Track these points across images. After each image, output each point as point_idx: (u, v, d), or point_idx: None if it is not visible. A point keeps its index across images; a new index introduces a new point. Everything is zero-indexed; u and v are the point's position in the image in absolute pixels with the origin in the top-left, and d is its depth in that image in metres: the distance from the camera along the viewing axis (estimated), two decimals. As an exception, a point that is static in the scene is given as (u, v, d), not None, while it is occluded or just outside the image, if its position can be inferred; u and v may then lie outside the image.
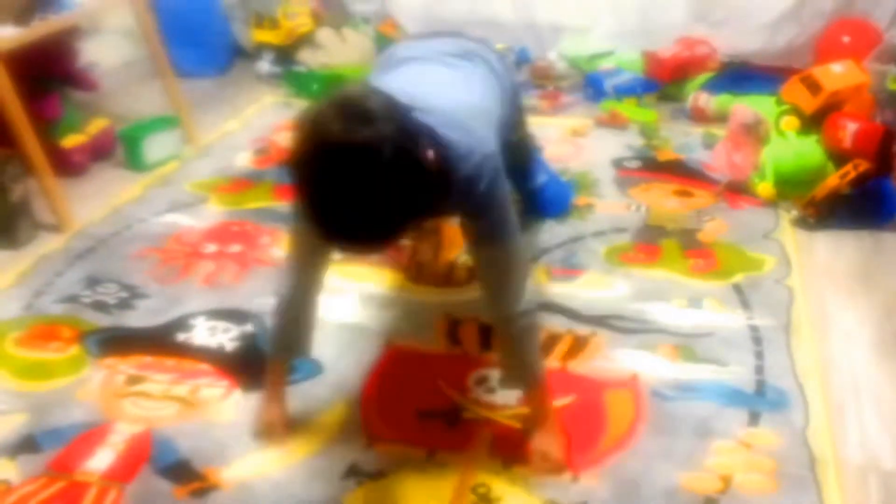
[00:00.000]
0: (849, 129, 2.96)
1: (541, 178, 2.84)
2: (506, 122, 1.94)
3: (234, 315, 2.45)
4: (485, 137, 1.69)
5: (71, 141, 3.33)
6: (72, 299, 2.55)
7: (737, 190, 3.12)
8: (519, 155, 2.59)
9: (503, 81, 2.04)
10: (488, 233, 1.72)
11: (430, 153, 1.51)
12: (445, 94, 1.74)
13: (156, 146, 3.46)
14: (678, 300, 2.51)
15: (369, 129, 1.37)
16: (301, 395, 2.12)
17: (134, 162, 3.43)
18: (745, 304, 2.48)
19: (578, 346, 2.30)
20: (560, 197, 2.99)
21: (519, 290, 1.77)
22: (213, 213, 3.08)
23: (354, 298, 2.54)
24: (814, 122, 3.08)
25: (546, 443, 1.90)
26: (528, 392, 1.94)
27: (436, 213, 1.78)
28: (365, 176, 1.37)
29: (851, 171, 2.89)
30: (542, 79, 4.26)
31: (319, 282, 1.91)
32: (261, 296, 2.46)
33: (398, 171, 1.39)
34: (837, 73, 3.11)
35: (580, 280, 2.62)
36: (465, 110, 1.71)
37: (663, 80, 4.01)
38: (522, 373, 1.90)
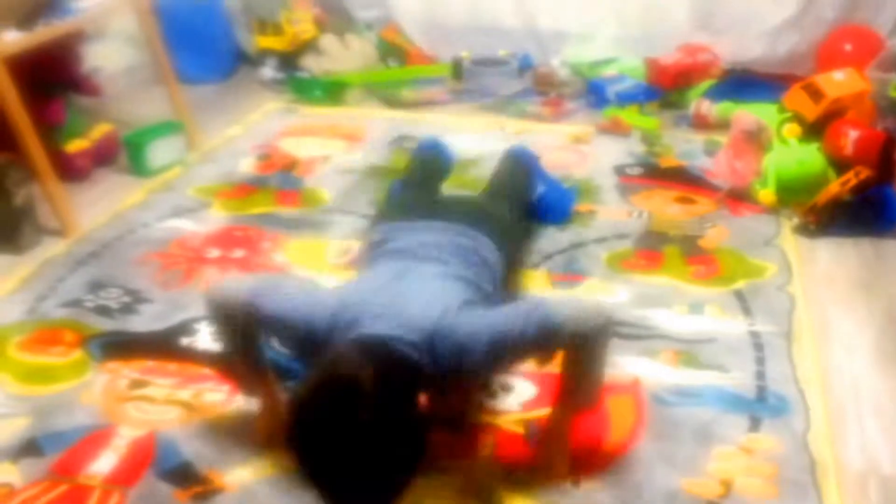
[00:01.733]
0: (850, 137, 2.97)
1: (540, 188, 2.86)
2: (496, 291, 2.03)
3: (236, 320, 2.45)
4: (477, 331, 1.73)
5: (74, 146, 3.34)
6: (75, 304, 2.56)
7: (738, 197, 3.12)
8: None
9: (492, 268, 2.08)
10: (542, 349, 1.80)
11: (422, 397, 1.68)
12: (430, 307, 1.77)
13: (159, 151, 3.47)
14: (680, 306, 2.51)
15: (359, 406, 1.50)
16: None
17: (137, 167, 3.44)
18: (747, 310, 2.48)
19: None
20: (560, 204, 3.00)
21: (582, 309, 1.75)
22: (216, 218, 3.09)
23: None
24: (815, 129, 3.08)
25: (554, 455, 1.91)
26: (576, 410, 1.89)
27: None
28: (362, 454, 1.49)
29: (853, 178, 2.89)
30: (545, 85, 4.27)
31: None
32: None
33: (393, 439, 1.52)
34: (839, 81, 3.12)
35: (582, 286, 2.62)
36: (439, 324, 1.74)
37: (665, 88, 4.02)
38: (589, 388, 1.84)
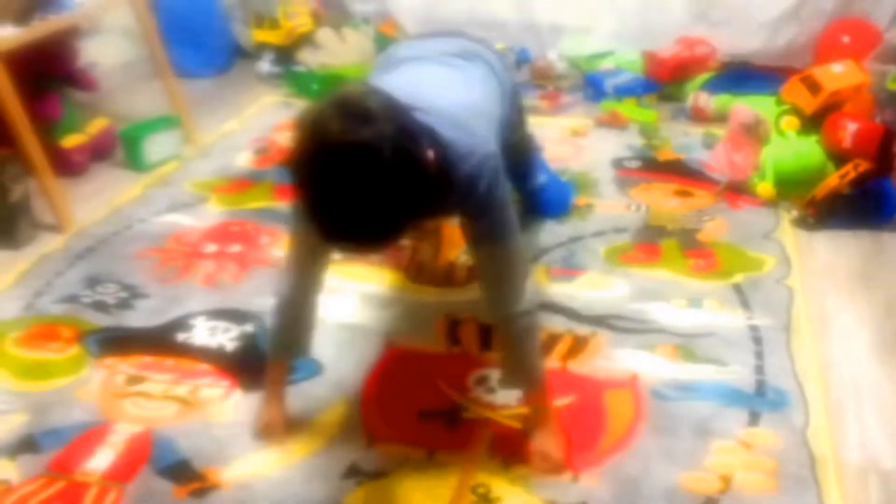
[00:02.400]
0: (849, 129, 2.96)
1: (541, 179, 2.84)
2: (506, 122, 1.94)
3: (234, 315, 2.45)
4: (484, 137, 1.70)
5: (71, 141, 3.33)
6: (72, 299, 2.55)
7: (737, 190, 3.11)
8: (519, 155, 2.60)
9: (503, 81, 2.05)
10: (488, 232, 1.72)
11: (430, 153, 1.53)
12: (445, 94, 1.75)
13: (156, 146, 3.46)
14: (678, 300, 2.51)
15: (369, 128, 1.38)
16: (301, 395, 2.12)
17: (134, 162, 3.43)
18: (745, 304, 2.48)
19: (578, 346, 2.30)
20: (560, 197, 2.99)
21: (519, 289, 1.78)
22: (213, 213, 3.08)
23: (354, 298, 2.54)
24: (814, 122, 3.08)
25: (546, 443, 1.90)
26: (528, 392, 1.94)
27: (436, 212, 1.79)
28: (365, 175, 1.38)
29: (851, 170, 2.88)
30: (542, 79, 4.26)
31: (319, 282, 1.91)
32: (261, 296, 2.46)
33: (398, 171, 1.40)
34: (837, 73, 3.11)
35: (580, 280, 2.62)
36: (464, 110, 1.72)
37: (663, 80, 4.01)
38: (522, 373, 1.90)
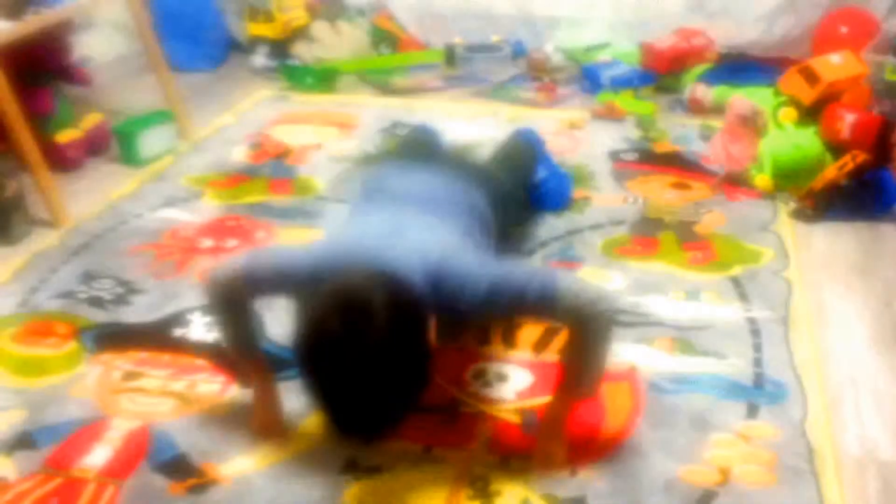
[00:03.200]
0: (847, 120, 2.96)
1: (541, 173, 2.85)
2: (490, 241, 2.04)
3: (230, 310, 2.44)
4: (476, 265, 1.74)
5: (65, 136, 3.32)
6: (67, 295, 2.54)
7: (734, 182, 3.11)
8: (519, 156, 2.63)
9: (483, 214, 2.09)
10: (532, 311, 1.82)
11: (432, 322, 1.65)
12: (432, 244, 1.78)
13: (150, 141, 3.45)
14: (676, 293, 2.50)
15: (369, 328, 1.47)
16: (298, 390, 2.10)
17: (128, 157, 3.42)
18: (743, 296, 2.48)
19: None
20: (559, 191, 2.98)
21: (577, 296, 1.70)
22: (208, 207, 3.07)
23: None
24: (812, 113, 3.07)
25: (552, 444, 1.89)
26: (575, 396, 1.87)
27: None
28: (366, 376, 1.47)
29: (849, 162, 2.88)
30: (539, 71, 4.25)
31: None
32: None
33: (400, 365, 1.51)
34: (835, 64, 3.11)
35: (577, 273, 2.61)
36: (450, 251, 1.77)
37: (660, 72, 4.00)
38: (588, 375, 1.82)
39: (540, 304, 1.70)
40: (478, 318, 1.92)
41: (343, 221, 2.14)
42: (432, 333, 1.75)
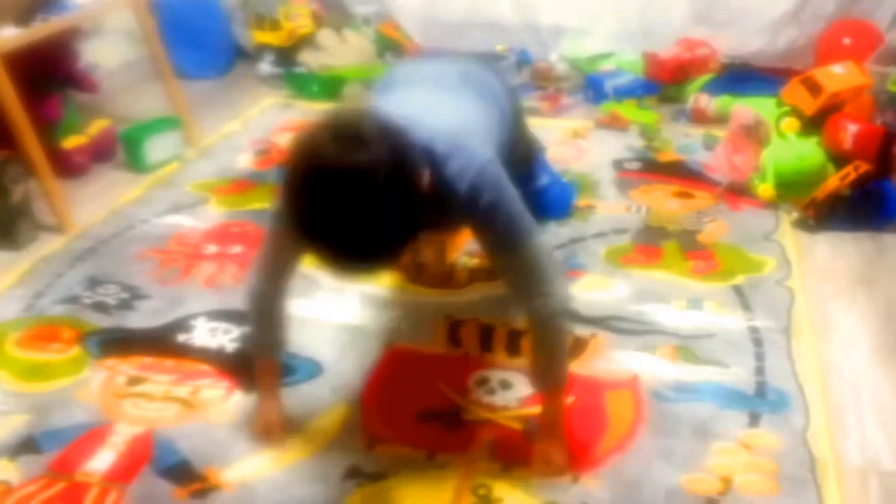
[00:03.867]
0: (849, 131, 2.96)
1: (543, 180, 2.84)
2: (504, 138, 1.93)
3: (234, 316, 2.44)
4: (478, 149, 1.69)
5: (72, 142, 3.33)
6: (72, 300, 2.55)
7: (737, 191, 3.12)
8: (521, 158, 2.60)
9: (501, 103, 2.04)
10: (502, 241, 1.71)
11: (426, 173, 1.54)
12: (439, 115, 1.74)
13: (157, 147, 3.46)
14: (678, 301, 2.51)
15: (363, 152, 1.39)
16: (301, 396, 2.12)
17: (135, 163, 3.43)
18: (746, 305, 2.48)
19: (579, 347, 2.29)
20: (562, 199, 2.99)
21: (547, 287, 1.74)
22: (213, 214, 3.08)
23: (354, 299, 2.54)
24: (814, 123, 3.08)
25: (550, 447, 1.90)
26: (549, 395, 1.91)
27: (441, 228, 1.78)
28: (359, 199, 1.38)
29: (852, 172, 2.89)
30: (543, 80, 4.26)
31: (289, 287, 1.91)
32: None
33: (392, 193, 1.41)
34: (838, 75, 3.12)
35: (581, 281, 2.62)
36: (459, 128, 1.72)
37: (664, 82, 4.01)
38: (550, 375, 1.87)
39: (505, 239, 1.69)
40: (453, 215, 1.74)
41: None
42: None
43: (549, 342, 1.82)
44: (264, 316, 1.95)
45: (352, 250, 1.43)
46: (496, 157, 1.73)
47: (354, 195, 1.38)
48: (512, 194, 1.70)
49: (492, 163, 1.69)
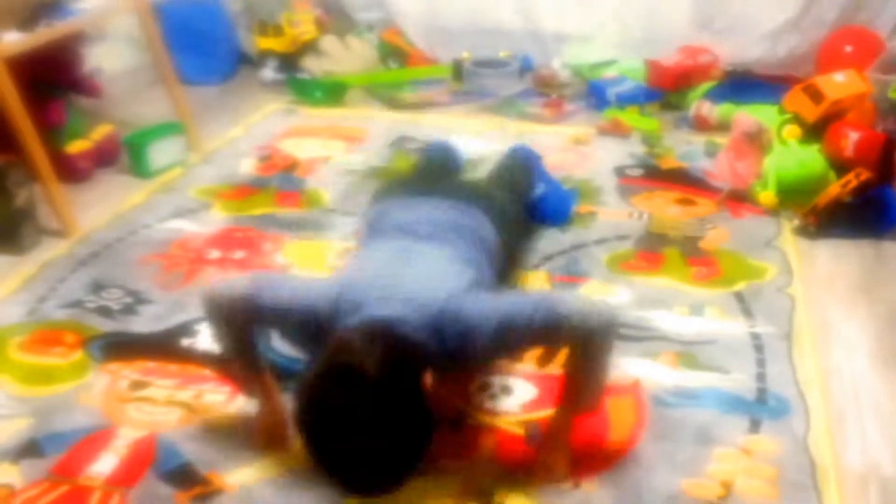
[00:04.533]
0: (851, 138, 2.97)
1: (539, 190, 2.86)
2: (494, 271, 2.06)
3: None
4: (477, 311, 1.74)
5: (75, 147, 3.35)
6: (76, 304, 2.56)
7: (739, 198, 3.12)
8: (515, 173, 2.67)
9: (490, 246, 2.11)
10: (542, 340, 1.86)
11: (427, 374, 1.71)
12: (428, 283, 1.81)
13: (160, 153, 3.47)
14: (680, 308, 2.51)
15: (367, 396, 1.54)
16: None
17: (138, 168, 3.44)
18: (747, 312, 2.49)
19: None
20: (561, 205, 3.00)
21: (575, 312, 1.72)
22: (216, 219, 3.09)
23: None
24: (816, 130, 3.09)
25: (553, 456, 1.90)
26: (576, 411, 1.88)
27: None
28: (370, 441, 1.53)
29: (853, 179, 2.89)
30: (546, 87, 4.27)
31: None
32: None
33: (401, 426, 1.56)
34: (839, 83, 3.12)
35: (582, 288, 2.62)
36: (454, 295, 1.77)
37: (666, 89, 4.02)
38: (589, 391, 1.84)
39: (548, 331, 1.72)
40: (487, 360, 1.94)
41: (351, 256, 2.19)
42: (432, 384, 1.84)
43: (593, 356, 1.77)
44: (233, 328, 1.92)
45: (371, 482, 1.62)
46: (488, 295, 1.84)
47: (364, 441, 1.54)
48: (516, 315, 1.72)
49: (488, 308, 1.74)
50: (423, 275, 1.83)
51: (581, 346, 1.75)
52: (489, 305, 1.74)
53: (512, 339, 1.73)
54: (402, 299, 1.72)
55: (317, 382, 1.59)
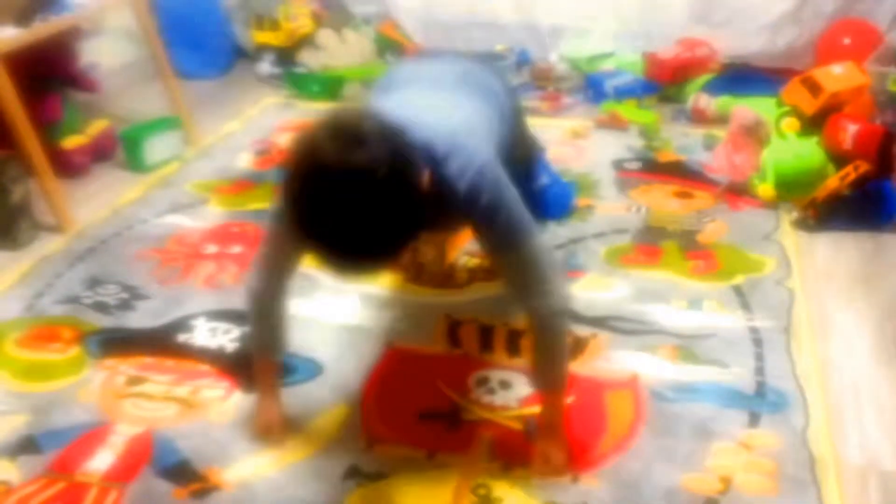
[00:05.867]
0: (849, 131, 2.96)
1: (543, 180, 2.84)
2: (505, 139, 1.93)
3: (234, 316, 2.44)
4: (478, 149, 1.70)
5: (71, 142, 3.34)
6: (72, 300, 2.56)
7: (737, 191, 3.12)
8: (521, 158, 2.60)
9: (502, 103, 2.04)
10: (502, 241, 1.71)
11: (426, 172, 1.54)
12: (439, 115, 1.74)
13: (156, 147, 3.46)
14: (678, 301, 2.51)
15: (362, 151, 1.39)
16: (301, 396, 2.12)
17: (135, 163, 3.44)
18: (746, 305, 2.48)
19: (579, 347, 2.30)
20: (561, 199, 2.99)
21: (548, 287, 1.74)
22: (213, 214, 3.08)
23: (355, 299, 2.54)
24: (814, 123, 3.08)
25: (550, 446, 1.90)
26: (548, 394, 1.91)
27: (441, 227, 1.77)
28: (358, 198, 1.39)
29: (852, 172, 2.89)
30: (543, 80, 4.26)
31: (289, 286, 1.91)
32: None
33: (392, 193, 1.41)
34: (838, 75, 3.12)
35: (581, 281, 2.62)
36: (457, 128, 1.72)
37: (664, 82, 4.01)
38: (551, 375, 1.87)
39: (505, 238, 1.69)
40: (466, 212, 1.73)
41: None
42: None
43: (548, 341, 1.81)
44: (264, 316, 1.94)
45: (351, 250, 1.43)
46: (495, 157, 1.73)
47: (353, 194, 1.38)
48: (511, 194, 1.70)
49: (491, 162, 1.69)
50: (427, 107, 1.76)
51: (537, 328, 1.79)
52: (494, 171, 1.68)
53: (479, 205, 1.65)
54: (415, 116, 1.63)
55: (311, 133, 1.46)
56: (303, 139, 1.46)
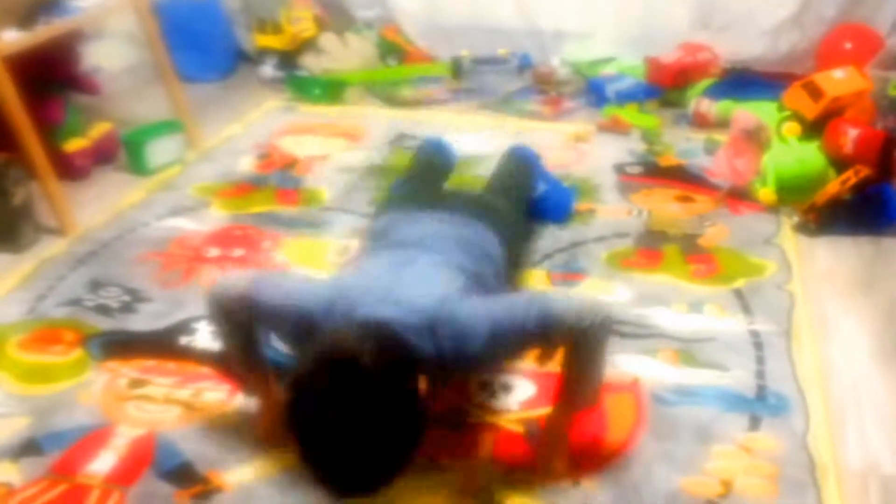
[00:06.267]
0: (850, 135, 2.97)
1: (540, 189, 2.86)
2: (502, 286, 2.07)
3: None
4: (454, 312, 1.74)
5: (74, 145, 3.34)
6: (74, 303, 2.56)
7: (738, 195, 3.12)
8: (516, 174, 2.66)
9: (496, 262, 2.10)
10: (522, 345, 1.83)
11: (421, 381, 1.68)
12: (430, 292, 1.79)
13: (158, 150, 3.47)
14: (679, 305, 2.51)
15: (360, 388, 1.52)
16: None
17: (137, 166, 3.44)
18: (746, 309, 2.48)
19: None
20: (561, 203, 2.99)
21: (568, 312, 1.71)
22: (215, 217, 3.09)
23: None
24: (815, 127, 3.08)
25: (552, 451, 1.90)
26: (578, 408, 1.88)
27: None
28: (359, 432, 1.51)
29: (852, 176, 2.89)
30: (545, 84, 4.26)
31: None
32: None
33: (392, 422, 1.54)
34: (839, 79, 3.12)
35: (581, 285, 2.62)
36: (440, 303, 1.76)
37: (665, 86, 4.01)
38: (588, 387, 1.83)
39: (543, 330, 1.71)
40: (484, 364, 1.92)
41: (351, 264, 2.20)
42: (429, 393, 1.79)
43: (585, 354, 1.76)
44: (235, 325, 1.91)
45: (362, 480, 1.57)
46: (483, 298, 1.83)
47: (351, 429, 1.51)
48: (508, 317, 1.72)
49: (481, 310, 1.74)
50: (420, 280, 1.82)
51: (576, 345, 1.74)
52: (483, 310, 1.74)
53: (506, 342, 1.73)
54: (397, 301, 1.71)
55: (309, 373, 1.58)
56: (302, 375, 1.60)
